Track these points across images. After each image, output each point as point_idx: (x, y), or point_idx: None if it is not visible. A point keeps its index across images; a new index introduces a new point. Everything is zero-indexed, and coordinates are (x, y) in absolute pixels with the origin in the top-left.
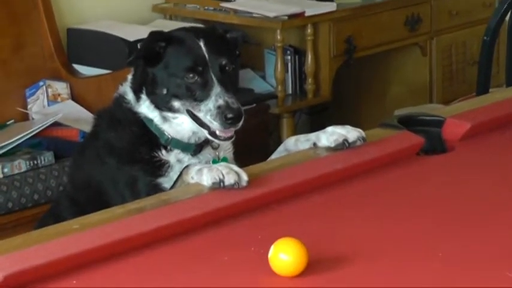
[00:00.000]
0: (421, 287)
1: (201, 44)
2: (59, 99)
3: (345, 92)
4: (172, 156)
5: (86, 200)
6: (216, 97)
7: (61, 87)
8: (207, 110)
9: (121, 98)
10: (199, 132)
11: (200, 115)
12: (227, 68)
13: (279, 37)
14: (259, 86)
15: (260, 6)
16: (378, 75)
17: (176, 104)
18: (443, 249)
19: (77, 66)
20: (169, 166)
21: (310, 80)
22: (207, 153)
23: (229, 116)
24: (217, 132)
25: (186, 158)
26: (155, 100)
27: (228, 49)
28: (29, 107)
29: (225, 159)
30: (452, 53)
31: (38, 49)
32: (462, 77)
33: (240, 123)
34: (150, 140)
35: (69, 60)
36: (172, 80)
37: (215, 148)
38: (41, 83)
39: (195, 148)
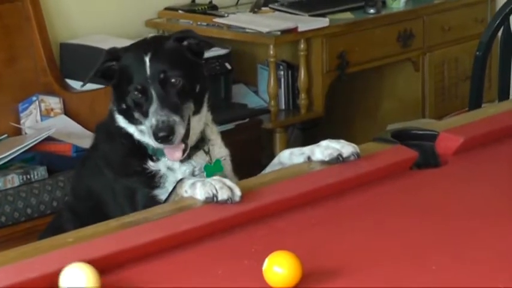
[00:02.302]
0: None
1: (146, 59)
2: (52, 114)
3: (337, 106)
4: (162, 165)
5: (87, 211)
6: (152, 114)
7: (54, 102)
8: (147, 127)
9: (113, 111)
10: None
11: (146, 131)
12: (173, 80)
13: (272, 52)
14: (252, 101)
15: (253, 21)
16: (370, 90)
17: (139, 118)
18: (437, 262)
19: (69, 81)
20: (161, 176)
21: (303, 95)
22: (199, 158)
23: (160, 134)
24: (165, 153)
25: (177, 165)
26: (125, 116)
27: (179, 60)
28: (22, 121)
29: (218, 162)
30: (444, 69)
31: (31, 63)
32: (454, 93)
33: (175, 139)
34: (140, 152)
35: (62, 74)
36: (126, 97)
37: (207, 152)
38: (34, 98)
39: None
